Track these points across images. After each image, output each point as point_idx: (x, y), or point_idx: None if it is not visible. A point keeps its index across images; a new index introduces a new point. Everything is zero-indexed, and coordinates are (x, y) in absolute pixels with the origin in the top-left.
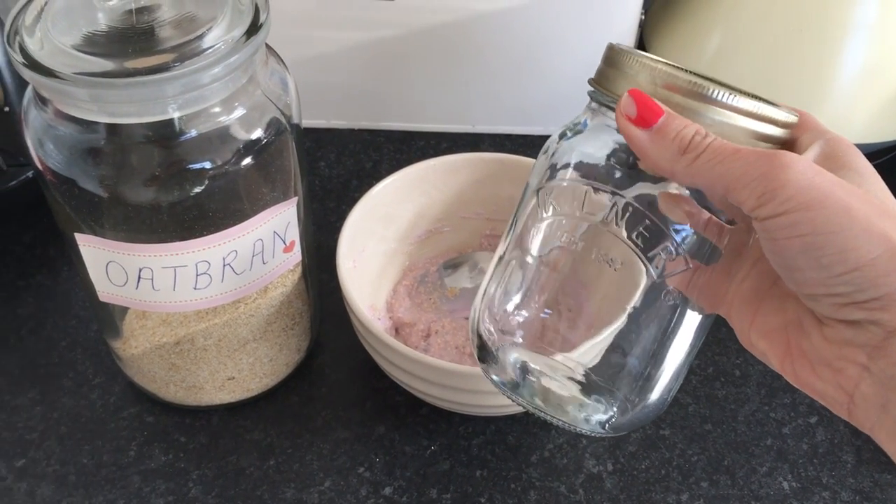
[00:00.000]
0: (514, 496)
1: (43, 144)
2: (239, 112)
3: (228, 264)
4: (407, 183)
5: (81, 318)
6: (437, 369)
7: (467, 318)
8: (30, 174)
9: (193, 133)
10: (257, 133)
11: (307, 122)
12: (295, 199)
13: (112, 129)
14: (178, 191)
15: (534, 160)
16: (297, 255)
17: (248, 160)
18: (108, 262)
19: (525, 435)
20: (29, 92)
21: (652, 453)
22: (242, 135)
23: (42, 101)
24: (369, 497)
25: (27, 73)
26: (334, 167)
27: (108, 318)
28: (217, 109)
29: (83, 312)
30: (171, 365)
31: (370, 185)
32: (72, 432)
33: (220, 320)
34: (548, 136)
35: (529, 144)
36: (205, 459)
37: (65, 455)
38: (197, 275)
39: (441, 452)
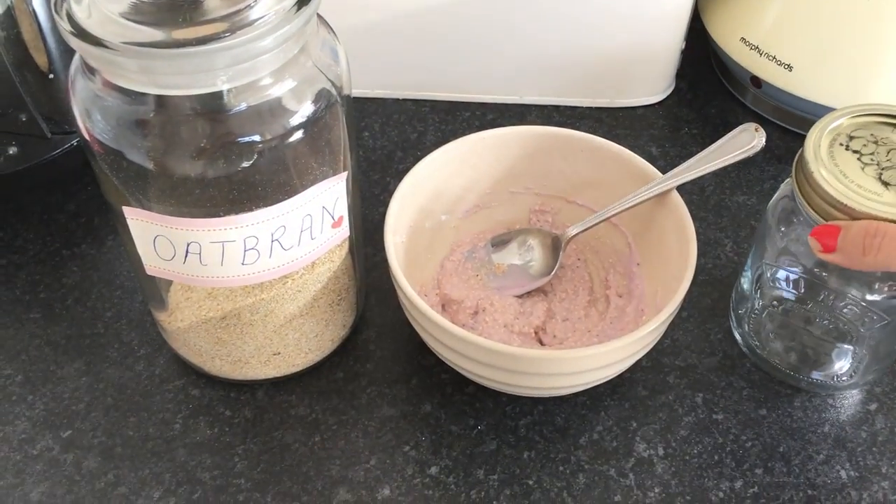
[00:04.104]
0: (563, 479)
1: (90, 115)
2: (289, 84)
3: (276, 240)
4: (456, 156)
5: (126, 289)
6: (487, 349)
7: (516, 296)
8: (74, 142)
9: (243, 106)
10: (308, 106)
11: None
12: (345, 174)
13: (160, 100)
14: (226, 164)
15: (585, 134)
16: (345, 230)
17: (298, 134)
18: (155, 236)
19: (573, 416)
20: (76, 60)
21: (704, 438)
22: (293, 107)
23: (90, 70)
24: (415, 476)
25: (74, 42)
26: (378, 138)
27: (153, 291)
28: (267, 81)
29: (128, 283)
30: (216, 339)
31: (415, 157)
32: (117, 404)
33: (266, 296)
34: (596, 108)
35: (578, 116)
36: (250, 434)
37: (111, 427)
38: (245, 250)
39: (488, 432)
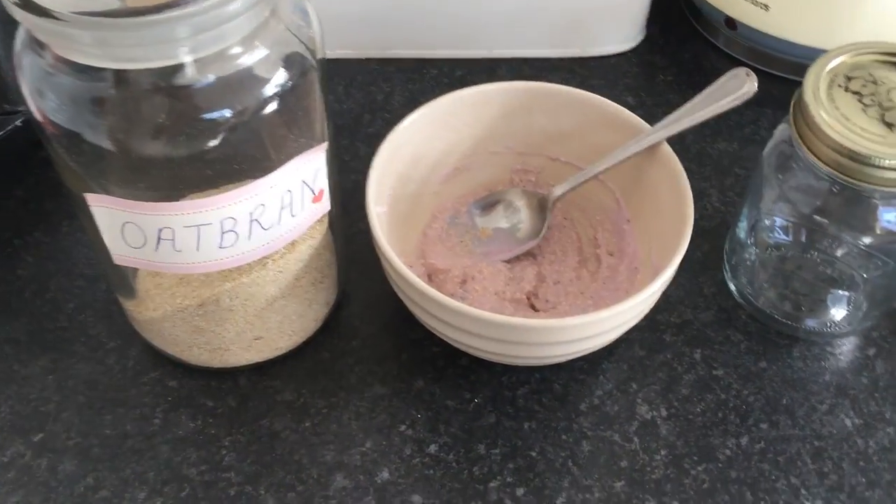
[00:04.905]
0: (566, 448)
1: (42, 94)
2: (260, 52)
3: (256, 219)
4: (434, 118)
5: (88, 277)
6: (485, 321)
7: (504, 262)
8: (19, 122)
9: (211, 78)
10: (281, 74)
11: None
12: (325, 145)
13: (119, 75)
14: (196, 143)
15: (567, 87)
16: (326, 204)
17: (272, 105)
18: (123, 224)
19: (572, 382)
20: (21, 34)
21: (707, 395)
22: (265, 76)
23: (38, 44)
24: (414, 456)
25: (19, 14)
26: (344, 101)
27: (120, 279)
28: (236, 50)
29: (89, 271)
30: (193, 327)
31: (384, 120)
32: (91, 401)
33: (247, 279)
34: (568, 59)
35: (550, 68)
36: (236, 424)
37: (85, 426)
38: (222, 232)
39: (485, 405)
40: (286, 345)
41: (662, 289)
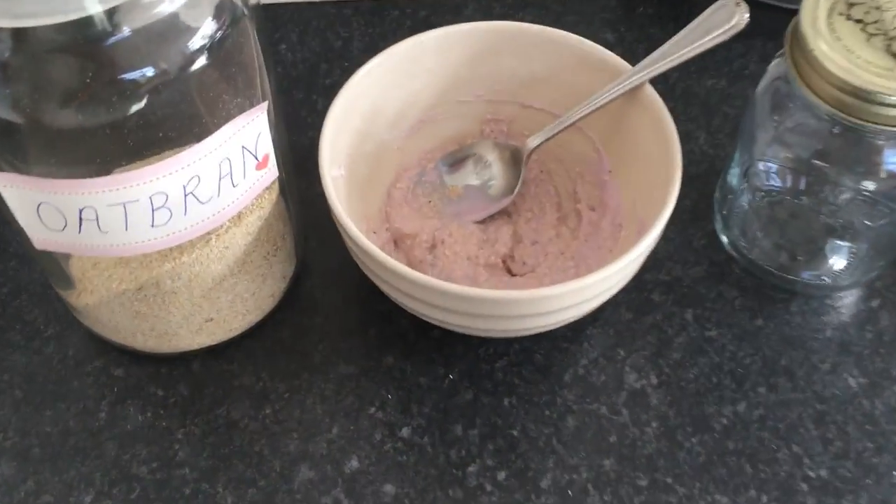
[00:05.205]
0: (550, 424)
1: None
2: None
3: (191, 193)
4: (392, 66)
5: (22, 258)
6: (454, 295)
7: (476, 222)
8: None
9: (126, 31)
10: (209, 24)
11: None
12: (265, 104)
13: (19, 34)
14: (114, 108)
15: (537, 26)
16: (272, 171)
17: (200, 60)
18: (38, 205)
19: (554, 351)
20: None
21: (699, 359)
22: (190, 27)
23: None
24: (385, 441)
25: None
26: (297, 50)
27: (51, 264)
28: None
29: (22, 251)
30: (135, 313)
31: (342, 69)
32: (28, 396)
33: (188, 258)
34: None
35: (521, 4)
36: (189, 415)
37: (23, 424)
38: (153, 209)
39: (461, 381)
40: (241, 325)
41: (650, 249)
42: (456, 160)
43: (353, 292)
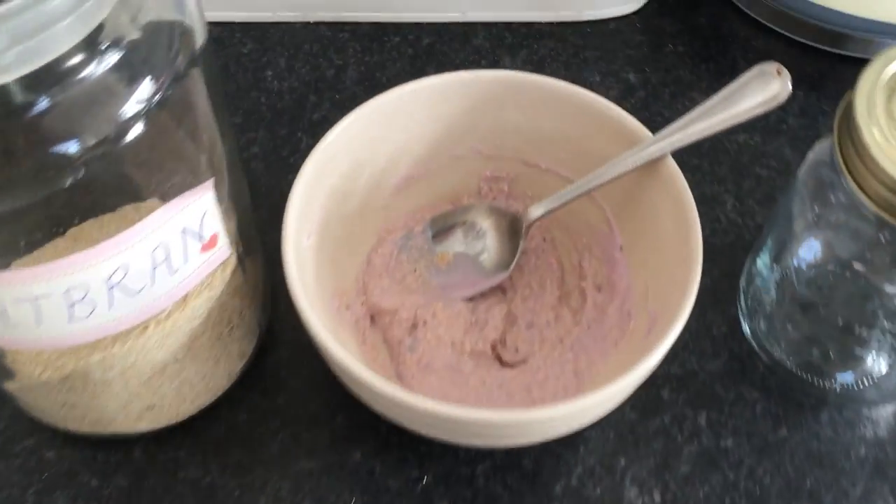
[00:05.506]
0: None
1: None
2: (111, 57)
3: (117, 285)
4: (377, 119)
5: None
6: (426, 413)
7: (466, 299)
8: None
9: (43, 102)
10: (146, 85)
11: (245, 16)
12: (210, 182)
13: None
14: (28, 191)
15: (546, 78)
16: (223, 250)
17: (136, 130)
18: None
19: (545, 457)
20: None
21: (711, 475)
22: (121, 92)
23: None
24: None
25: None
26: (285, 78)
27: None
28: (75, 59)
29: None
30: (62, 403)
31: (333, 102)
32: None
33: (120, 349)
34: (558, 24)
35: (536, 35)
36: None
37: None
38: (70, 305)
39: (436, 486)
40: (189, 409)
41: (662, 356)
42: (446, 225)
43: (322, 369)
